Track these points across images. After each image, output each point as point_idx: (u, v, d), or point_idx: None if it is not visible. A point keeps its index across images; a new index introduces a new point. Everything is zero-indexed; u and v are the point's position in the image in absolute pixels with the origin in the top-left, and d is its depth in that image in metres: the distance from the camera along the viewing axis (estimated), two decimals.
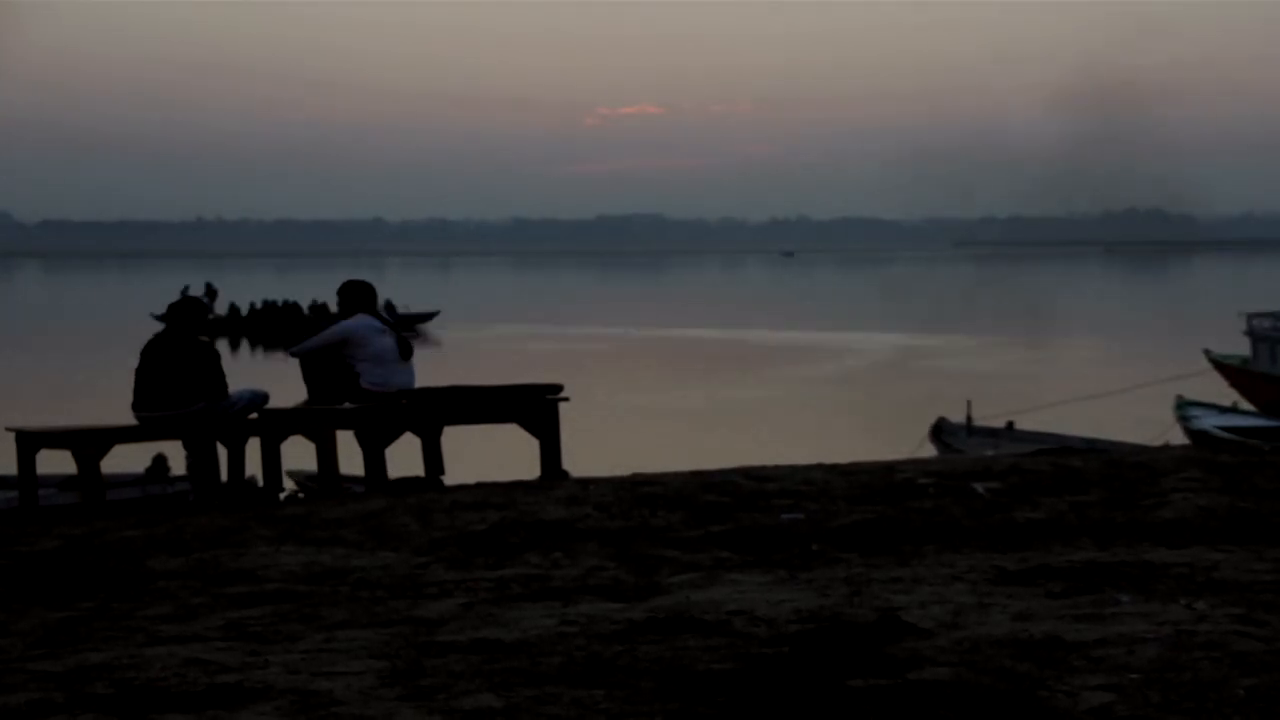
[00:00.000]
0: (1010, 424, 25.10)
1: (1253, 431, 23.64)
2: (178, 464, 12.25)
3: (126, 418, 11.41)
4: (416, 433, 11.64)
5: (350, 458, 11.34)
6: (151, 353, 10.82)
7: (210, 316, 10.98)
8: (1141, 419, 25.87)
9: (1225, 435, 23.05)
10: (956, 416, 25.31)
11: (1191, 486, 8.95)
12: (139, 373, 10.80)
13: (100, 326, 62.49)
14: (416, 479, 11.53)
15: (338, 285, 12.05)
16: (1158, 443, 16.59)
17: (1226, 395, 30.36)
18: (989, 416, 25.35)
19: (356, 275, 13.01)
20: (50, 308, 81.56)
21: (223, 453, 11.27)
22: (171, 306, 11.03)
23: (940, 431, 24.97)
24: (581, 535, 8.01)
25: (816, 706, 4.44)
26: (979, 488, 9.13)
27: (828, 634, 5.19)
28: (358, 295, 11.77)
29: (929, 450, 23.48)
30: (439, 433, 11.79)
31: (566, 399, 11.75)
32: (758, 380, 39.39)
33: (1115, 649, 4.96)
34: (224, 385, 10.88)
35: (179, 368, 10.77)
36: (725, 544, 7.71)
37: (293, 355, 11.62)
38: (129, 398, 11.03)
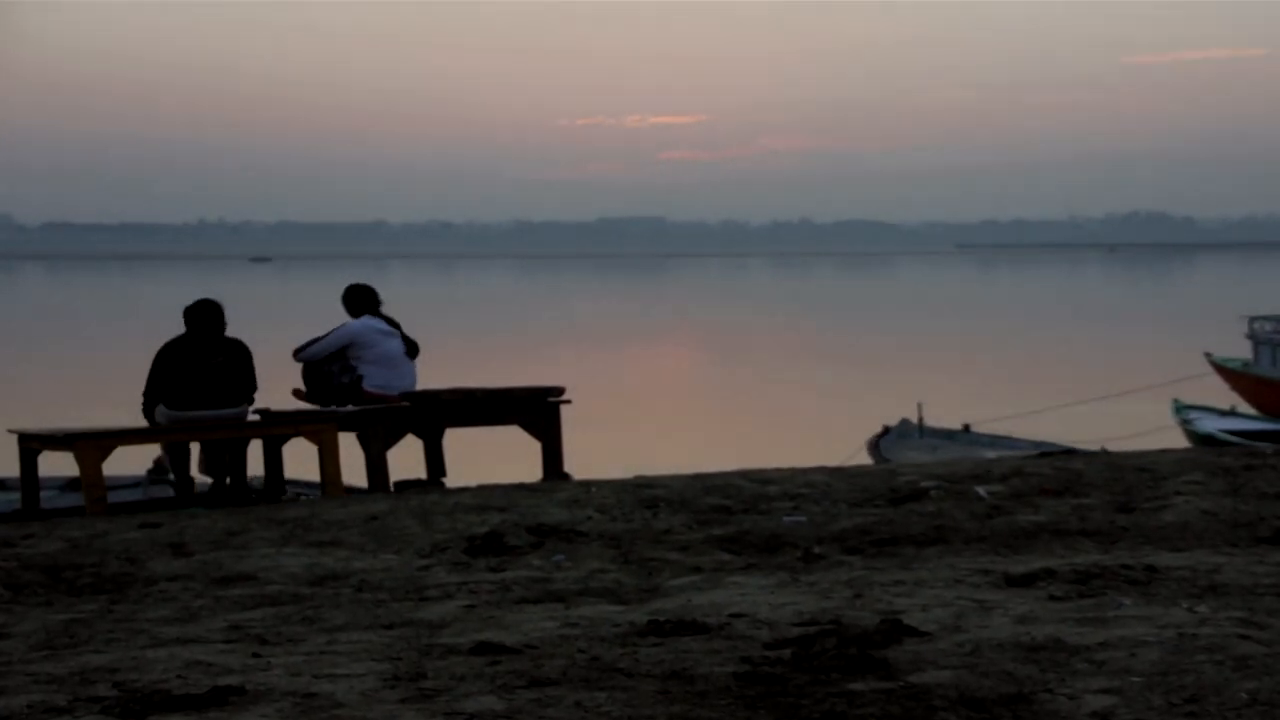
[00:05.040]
0: (966, 426, 24.96)
1: (1257, 435, 23.58)
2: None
3: (126, 419, 11.41)
4: (418, 435, 11.65)
5: (352, 459, 11.34)
6: (186, 353, 10.79)
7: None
8: (1142, 421, 25.83)
9: (1229, 438, 22.99)
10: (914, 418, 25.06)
11: (1193, 490, 8.95)
12: (174, 372, 10.75)
13: (103, 328, 62.51)
14: (418, 481, 11.55)
15: (341, 288, 12.08)
16: (1155, 447, 16.53)
17: (1226, 399, 30.31)
18: (981, 421, 25.23)
19: (359, 278, 13.04)
20: (53, 310, 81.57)
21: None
22: (193, 308, 11.00)
23: (885, 435, 24.60)
24: (583, 538, 8.02)
25: (818, 709, 4.44)
26: (981, 491, 9.14)
27: (829, 637, 5.19)
28: (362, 298, 11.81)
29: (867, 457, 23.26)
30: (441, 435, 11.80)
31: (568, 401, 11.76)
32: (760, 381, 39.40)
33: (1117, 652, 4.96)
34: (255, 384, 11.00)
35: (227, 367, 10.82)
36: (727, 547, 7.72)
37: (299, 361, 11.62)
38: (133, 399, 11.03)
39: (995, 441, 22.40)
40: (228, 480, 11.09)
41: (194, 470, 11.12)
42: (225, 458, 11.08)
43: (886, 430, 24.68)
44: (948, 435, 24.37)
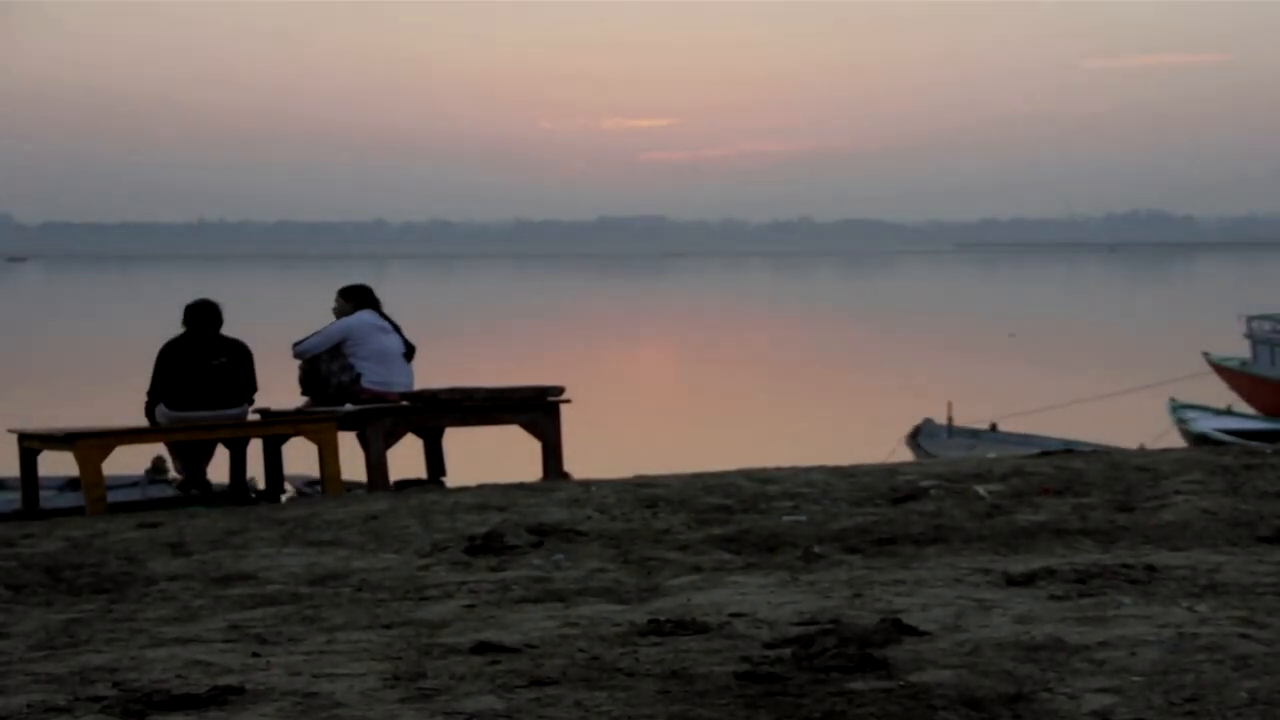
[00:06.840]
0: (993, 425, 25.07)
1: (1253, 434, 23.59)
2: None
3: (126, 418, 11.41)
4: (418, 434, 11.65)
5: (351, 459, 11.34)
6: (187, 353, 10.80)
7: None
8: (1141, 421, 25.84)
9: (1225, 438, 23.01)
10: (942, 418, 25.21)
11: (1193, 489, 8.96)
12: (175, 373, 10.76)
13: (102, 328, 62.49)
14: (418, 480, 11.55)
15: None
16: (1156, 446, 16.55)
17: (1224, 398, 30.30)
18: (981, 419, 25.27)
19: (358, 277, 13.07)
20: (52, 309, 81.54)
21: (224, 454, 11.31)
22: (192, 308, 11.00)
23: (918, 434, 24.85)
24: (583, 537, 8.02)
25: (818, 708, 4.44)
26: (981, 490, 9.13)
27: (829, 636, 5.19)
28: (359, 294, 11.82)
29: (906, 453, 23.44)
30: (441, 434, 11.80)
31: (568, 400, 11.76)
32: (758, 380, 39.40)
33: (1117, 651, 4.96)
34: (255, 385, 11.01)
35: (228, 367, 10.84)
36: (727, 546, 7.71)
37: (297, 356, 11.62)
38: (131, 398, 11.03)
39: (1024, 440, 22.41)
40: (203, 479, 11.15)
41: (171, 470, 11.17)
42: (205, 457, 11.15)
43: (917, 430, 24.82)
44: (974, 434, 24.46)
